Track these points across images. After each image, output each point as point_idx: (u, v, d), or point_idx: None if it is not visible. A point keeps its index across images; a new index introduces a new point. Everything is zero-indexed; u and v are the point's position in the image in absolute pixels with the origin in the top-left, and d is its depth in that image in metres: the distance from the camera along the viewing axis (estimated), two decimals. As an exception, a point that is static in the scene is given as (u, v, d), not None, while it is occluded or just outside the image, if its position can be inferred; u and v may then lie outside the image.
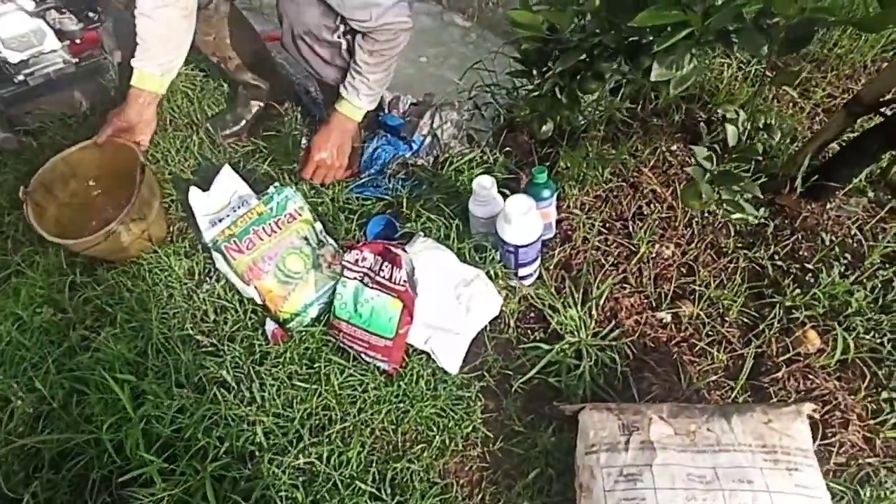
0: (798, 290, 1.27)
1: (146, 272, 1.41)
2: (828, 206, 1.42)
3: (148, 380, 1.22)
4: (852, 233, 1.37)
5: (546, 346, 1.21)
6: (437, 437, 1.15)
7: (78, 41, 1.77)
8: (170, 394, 1.19)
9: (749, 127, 1.48)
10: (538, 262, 1.32)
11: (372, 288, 1.20)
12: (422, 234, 1.37)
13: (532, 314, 1.32)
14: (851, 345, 1.18)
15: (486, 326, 1.28)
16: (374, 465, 1.12)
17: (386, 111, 1.73)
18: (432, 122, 1.66)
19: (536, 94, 1.40)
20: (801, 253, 1.36)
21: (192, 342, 1.28)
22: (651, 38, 1.12)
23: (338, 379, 1.20)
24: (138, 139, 1.43)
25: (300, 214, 1.38)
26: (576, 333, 1.24)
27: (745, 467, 0.92)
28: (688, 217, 1.43)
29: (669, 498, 0.90)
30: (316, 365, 1.22)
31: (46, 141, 1.75)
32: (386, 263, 1.20)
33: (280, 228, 1.35)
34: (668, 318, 1.28)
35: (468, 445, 1.15)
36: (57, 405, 1.22)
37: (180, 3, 1.31)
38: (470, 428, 1.16)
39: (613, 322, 1.27)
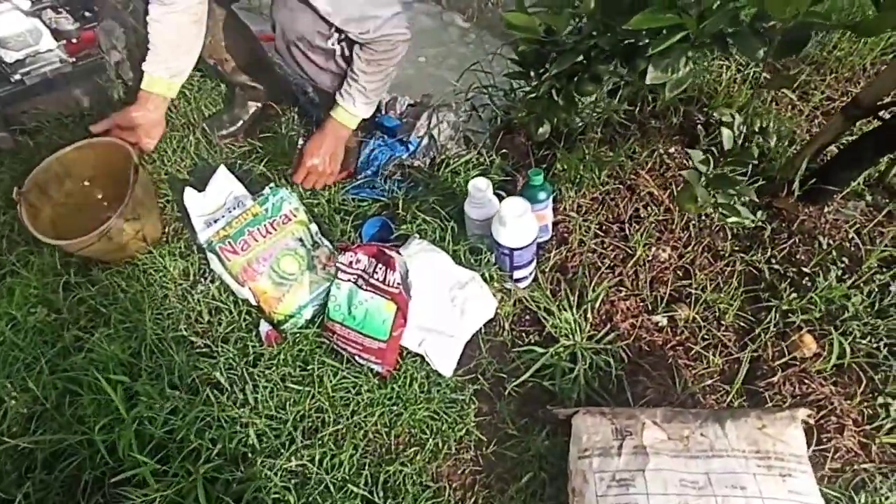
0: (795, 294, 1.27)
1: (141, 273, 1.41)
2: (825, 209, 1.41)
3: (141, 381, 1.21)
4: (850, 237, 1.36)
5: (541, 350, 1.21)
6: (431, 440, 1.14)
7: (74, 41, 1.78)
8: (163, 395, 1.19)
9: (746, 130, 1.47)
10: (533, 264, 1.32)
11: (366, 290, 1.19)
12: (417, 235, 1.37)
13: (527, 317, 1.31)
14: (848, 349, 1.18)
15: (480, 329, 1.27)
16: (366, 467, 1.12)
17: (383, 112, 1.73)
18: (429, 124, 1.65)
19: (533, 95, 1.39)
20: (797, 257, 1.35)
21: (185, 343, 1.28)
22: (647, 40, 1.11)
23: (331, 381, 1.20)
24: (146, 141, 1.45)
25: (295, 216, 1.38)
26: (571, 336, 1.23)
27: (738, 473, 0.92)
28: (684, 220, 1.42)
29: (662, 503, 0.90)
30: (309, 367, 1.22)
31: (43, 140, 1.75)
32: (380, 266, 1.20)
33: (275, 230, 1.34)
34: (664, 321, 1.28)
35: (461, 449, 1.15)
36: (50, 406, 1.22)
37: (190, 8, 1.33)
38: (463, 431, 1.16)
39: (609, 325, 1.27)
